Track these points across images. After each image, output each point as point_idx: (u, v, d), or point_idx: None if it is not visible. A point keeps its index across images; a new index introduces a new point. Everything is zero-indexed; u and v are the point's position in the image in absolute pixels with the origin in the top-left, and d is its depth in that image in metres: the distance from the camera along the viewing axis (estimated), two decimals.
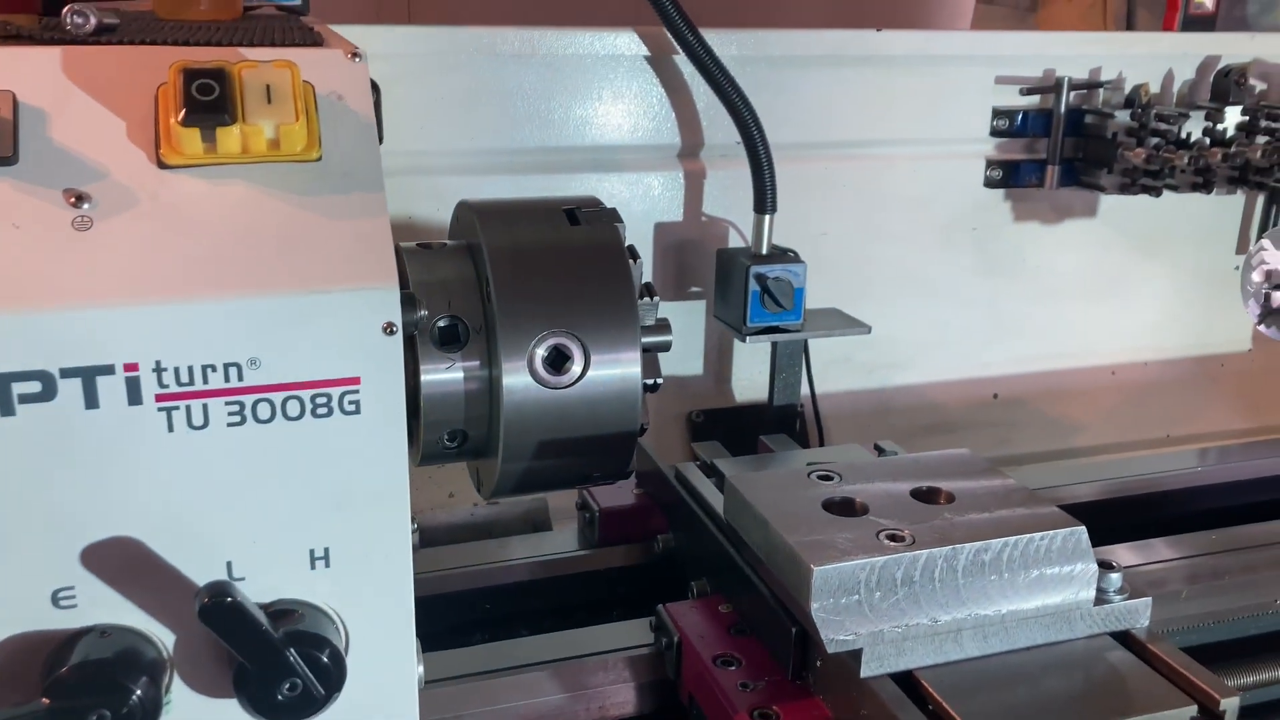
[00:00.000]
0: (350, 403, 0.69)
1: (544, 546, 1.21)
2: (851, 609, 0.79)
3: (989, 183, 1.72)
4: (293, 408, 0.67)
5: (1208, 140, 1.69)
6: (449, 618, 1.14)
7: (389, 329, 0.68)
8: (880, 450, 1.23)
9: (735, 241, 1.63)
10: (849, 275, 1.69)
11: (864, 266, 1.71)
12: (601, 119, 1.53)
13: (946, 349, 1.78)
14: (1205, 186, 1.69)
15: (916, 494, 0.88)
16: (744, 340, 1.46)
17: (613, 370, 0.91)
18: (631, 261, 0.97)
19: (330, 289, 0.67)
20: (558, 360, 0.89)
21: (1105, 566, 0.87)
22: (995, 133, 1.70)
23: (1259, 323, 1.32)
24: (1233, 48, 1.76)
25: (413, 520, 0.87)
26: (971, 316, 1.79)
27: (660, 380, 0.99)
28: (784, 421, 1.55)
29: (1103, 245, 1.82)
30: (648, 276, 1.61)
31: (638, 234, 1.58)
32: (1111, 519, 1.51)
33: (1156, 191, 1.66)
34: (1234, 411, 1.94)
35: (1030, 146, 1.73)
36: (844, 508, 0.85)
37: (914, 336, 1.76)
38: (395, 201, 1.16)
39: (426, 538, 1.25)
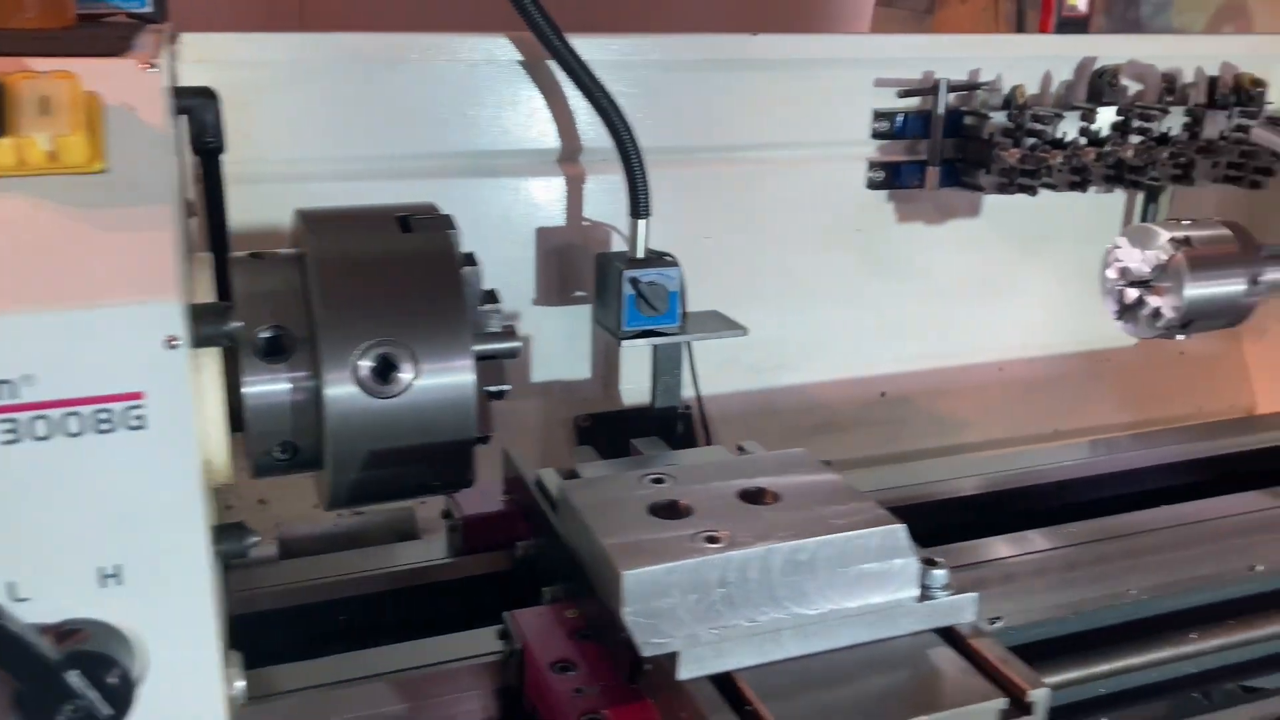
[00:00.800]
0: (135, 418, 0.68)
1: (406, 556, 1.21)
2: (666, 612, 0.79)
3: (871, 184, 1.74)
4: (73, 424, 0.66)
5: (1083, 140, 1.73)
6: (307, 630, 1.13)
7: (171, 342, 0.68)
8: (741, 451, 1.24)
9: (619, 246, 1.63)
10: (734, 278, 1.70)
11: (749, 269, 1.72)
12: (480, 124, 1.53)
13: (833, 349, 1.80)
14: (1082, 185, 1.73)
15: (744, 495, 0.89)
16: (620, 344, 1.46)
17: (444, 378, 0.90)
18: (469, 268, 0.96)
19: (107, 303, 0.66)
20: (384, 369, 0.88)
21: (929, 563, 0.89)
22: (876, 135, 1.72)
23: (1117, 319, 1.34)
24: (1109, 49, 1.80)
25: (257, 533, 0.87)
26: (857, 317, 1.81)
27: (506, 388, 0.99)
28: (666, 425, 1.55)
29: (987, 244, 1.85)
30: (529, 282, 1.62)
31: (520, 239, 1.58)
32: (992, 512, 1.53)
33: (1033, 191, 1.69)
34: (1119, 405, 1.98)
35: (911, 148, 1.75)
36: (669, 510, 0.86)
37: (800, 337, 1.78)
38: (268, 210, 1.16)
39: (290, 549, 1.24)
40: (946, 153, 1.74)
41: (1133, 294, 1.31)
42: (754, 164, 1.69)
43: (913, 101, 1.72)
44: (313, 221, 0.94)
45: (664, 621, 0.79)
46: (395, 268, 0.91)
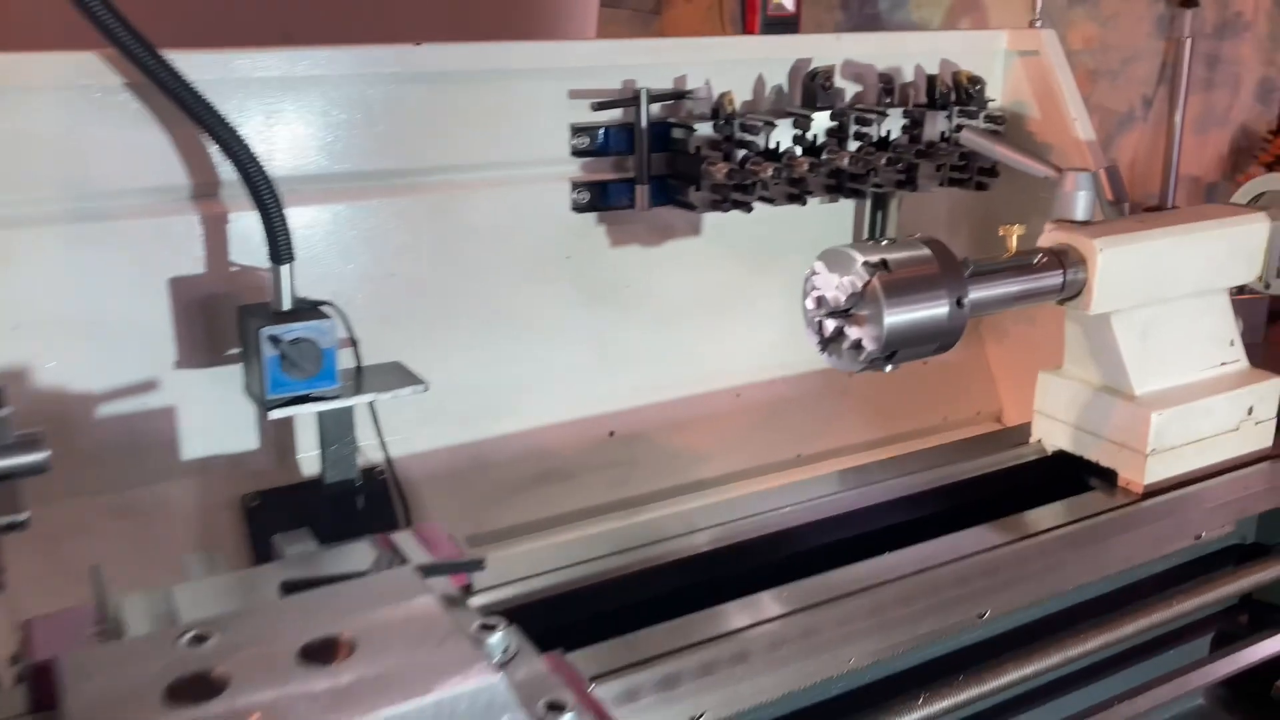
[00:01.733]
0: None
1: None
2: None
3: (577, 206, 1.57)
4: None
5: (797, 149, 1.61)
6: None
7: None
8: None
9: None
10: (429, 319, 1.50)
11: (447, 307, 1.52)
12: (85, 158, 1.27)
13: (552, 389, 1.63)
14: (800, 198, 1.61)
15: (308, 650, 0.69)
16: (269, 416, 1.24)
17: None
18: None
19: None
20: None
21: (555, 709, 0.71)
22: (577, 152, 1.55)
23: (821, 352, 1.21)
24: (823, 50, 1.69)
25: None
26: (576, 351, 1.64)
27: (20, 518, 0.76)
28: (342, 500, 1.34)
29: (711, 264, 1.72)
30: (168, 341, 1.36)
31: (150, 292, 1.33)
32: (728, 568, 1.39)
33: (747, 207, 1.55)
34: (865, 422, 1.88)
35: (619, 165, 1.59)
36: (194, 689, 0.65)
37: (514, 379, 1.59)
38: None
39: None
40: (655, 169, 1.58)
41: (831, 325, 1.18)
42: (442, 189, 1.49)
43: (616, 114, 1.56)
44: None
45: None
46: None
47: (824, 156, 1.63)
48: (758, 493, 1.52)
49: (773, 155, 1.58)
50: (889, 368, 1.21)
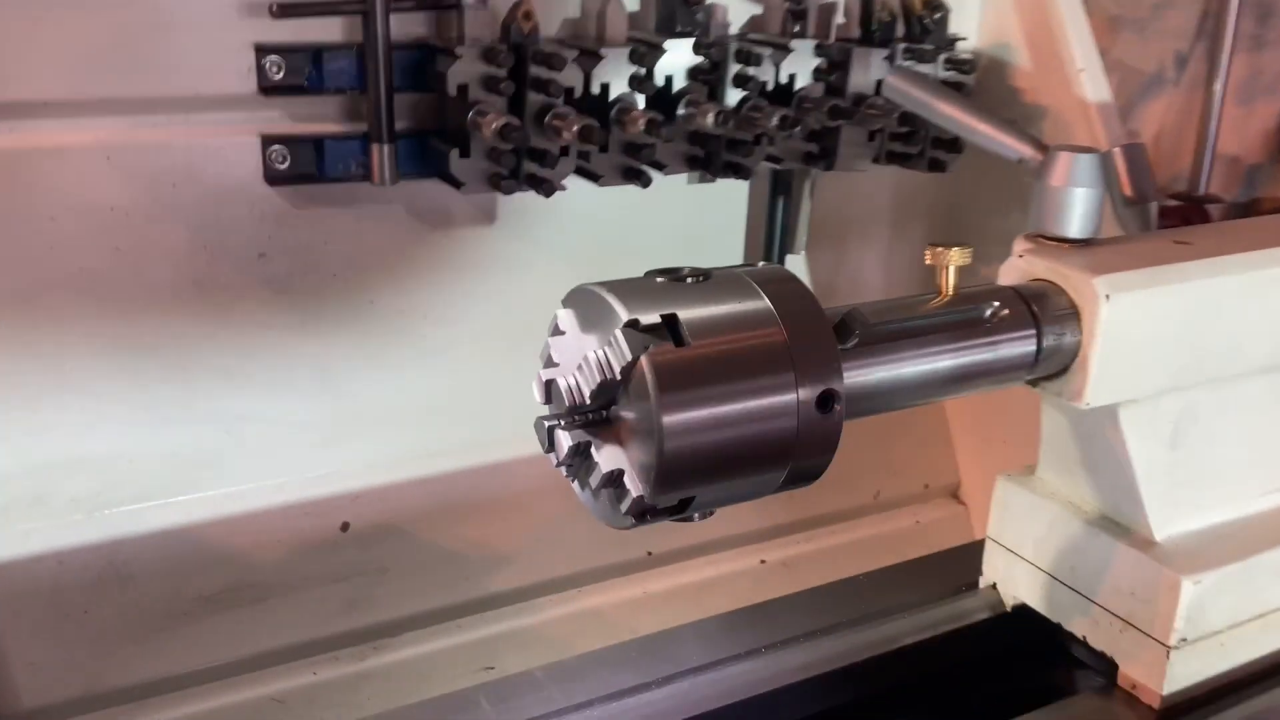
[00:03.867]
0: None
1: None
2: None
3: (273, 175, 0.99)
4: None
5: (639, 99, 1.01)
6: None
7: None
8: None
9: None
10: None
11: (36, 337, 0.94)
12: None
13: (243, 460, 1.05)
14: (638, 175, 1.02)
15: None
16: None
17: None
18: None
19: None
20: None
21: None
22: (269, 88, 0.96)
23: (564, 472, 0.63)
24: None
25: None
26: (284, 402, 1.06)
27: None
28: None
29: (510, 272, 1.13)
30: None
31: None
32: None
33: (546, 187, 0.97)
34: (778, 500, 1.30)
35: (349, 110, 1.00)
36: None
37: (174, 445, 1.02)
38: None
39: None
40: (407, 119, 1.00)
41: (566, 438, 0.59)
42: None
43: (334, 27, 0.96)
44: None
45: None
46: None
47: (682, 111, 1.04)
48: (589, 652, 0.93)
49: (597, 106, 1.00)
50: (696, 517, 0.64)
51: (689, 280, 0.63)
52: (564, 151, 1.00)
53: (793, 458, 0.62)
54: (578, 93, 0.99)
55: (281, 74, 0.95)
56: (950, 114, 0.84)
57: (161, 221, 0.95)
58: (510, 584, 1.17)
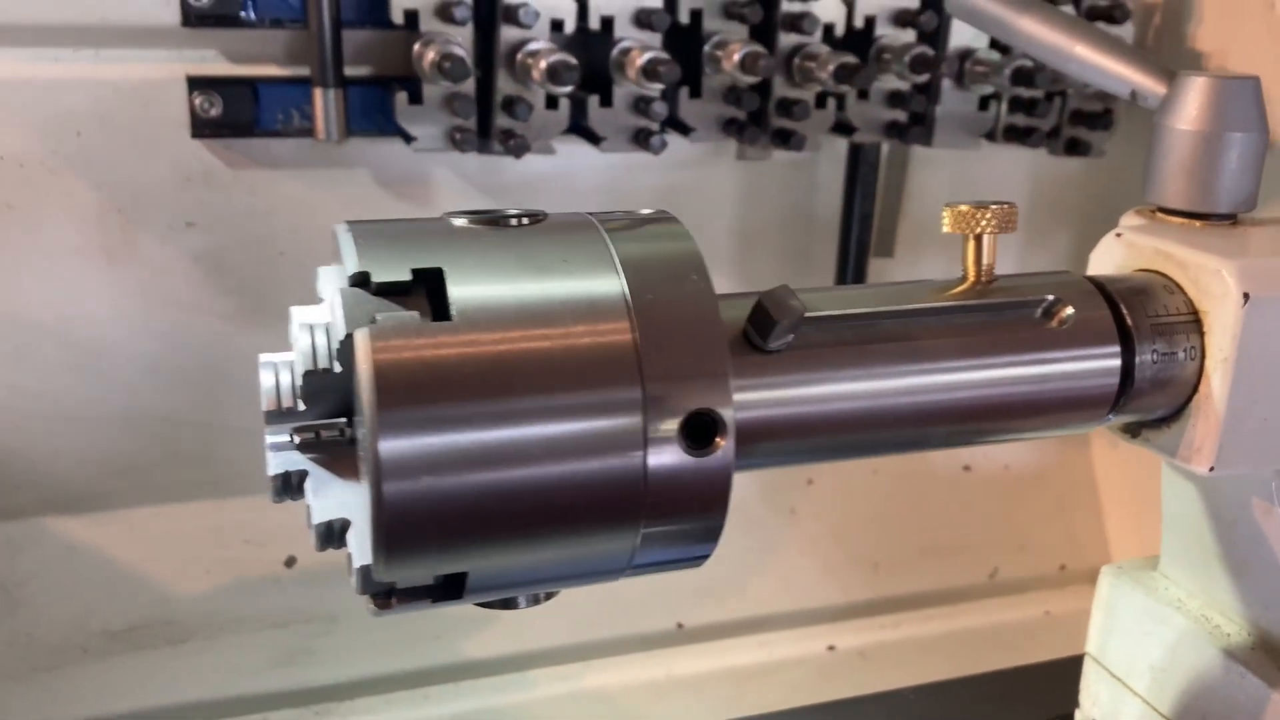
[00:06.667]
0: None
1: None
2: None
3: (201, 127, 0.81)
4: None
5: (653, 44, 0.79)
6: None
7: None
8: None
9: None
10: None
11: None
12: None
13: (154, 474, 0.88)
14: (643, 138, 0.79)
15: None
16: None
17: None
18: None
19: None
20: None
21: None
22: (195, 18, 0.79)
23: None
24: None
25: None
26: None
27: None
28: None
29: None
30: None
31: None
32: None
33: (518, 146, 0.76)
34: (823, 567, 1.03)
35: (289, 50, 0.82)
36: None
37: None
38: None
39: None
40: (361, 64, 0.81)
41: (274, 459, 0.37)
42: None
43: None
44: None
45: None
46: None
47: (709, 53, 0.81)
48: None
49: (581, 41, 0.78)
50: (522, 603, 0.41)
51: (515, 223, 0.40)
52: (551, 103, 0.78)
53: (644, 516, 0.37)
54: (533, 22, 0.76)
55: (210, 0, 0.78)
56: (1028, 30, 0.57)
57: (63, 176, 0.80)
58: (494, 650, 0.95)
